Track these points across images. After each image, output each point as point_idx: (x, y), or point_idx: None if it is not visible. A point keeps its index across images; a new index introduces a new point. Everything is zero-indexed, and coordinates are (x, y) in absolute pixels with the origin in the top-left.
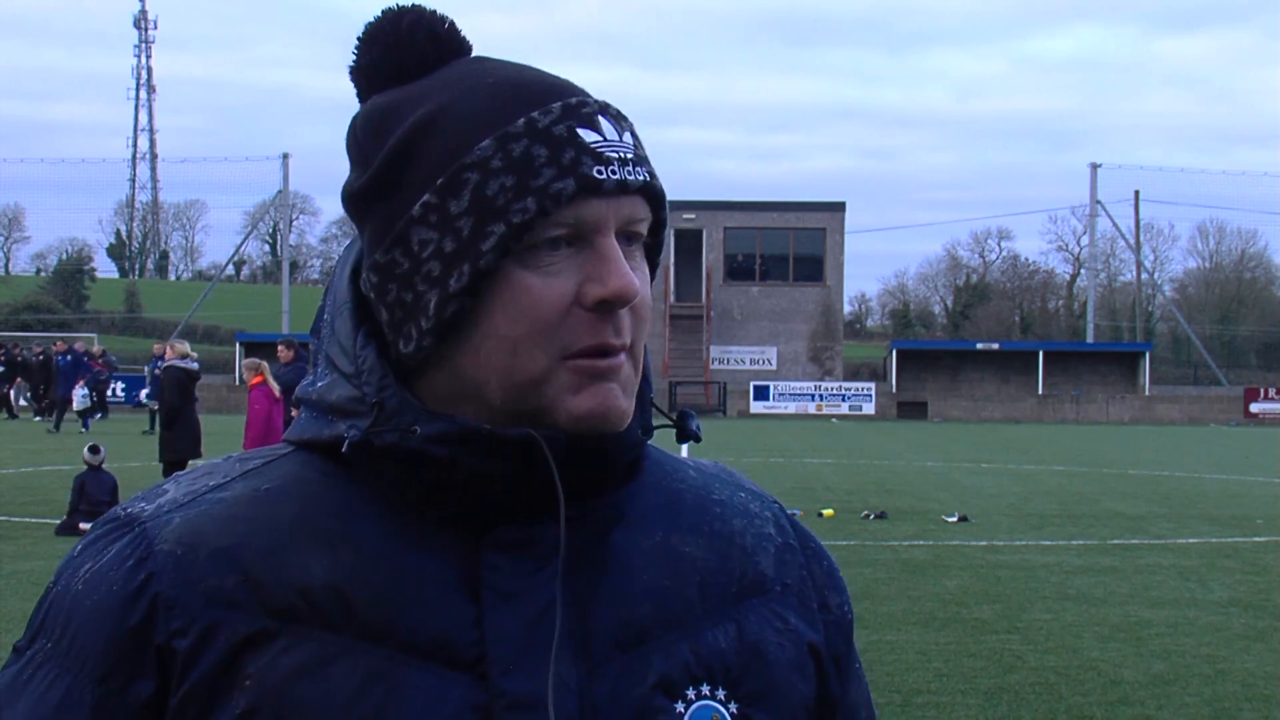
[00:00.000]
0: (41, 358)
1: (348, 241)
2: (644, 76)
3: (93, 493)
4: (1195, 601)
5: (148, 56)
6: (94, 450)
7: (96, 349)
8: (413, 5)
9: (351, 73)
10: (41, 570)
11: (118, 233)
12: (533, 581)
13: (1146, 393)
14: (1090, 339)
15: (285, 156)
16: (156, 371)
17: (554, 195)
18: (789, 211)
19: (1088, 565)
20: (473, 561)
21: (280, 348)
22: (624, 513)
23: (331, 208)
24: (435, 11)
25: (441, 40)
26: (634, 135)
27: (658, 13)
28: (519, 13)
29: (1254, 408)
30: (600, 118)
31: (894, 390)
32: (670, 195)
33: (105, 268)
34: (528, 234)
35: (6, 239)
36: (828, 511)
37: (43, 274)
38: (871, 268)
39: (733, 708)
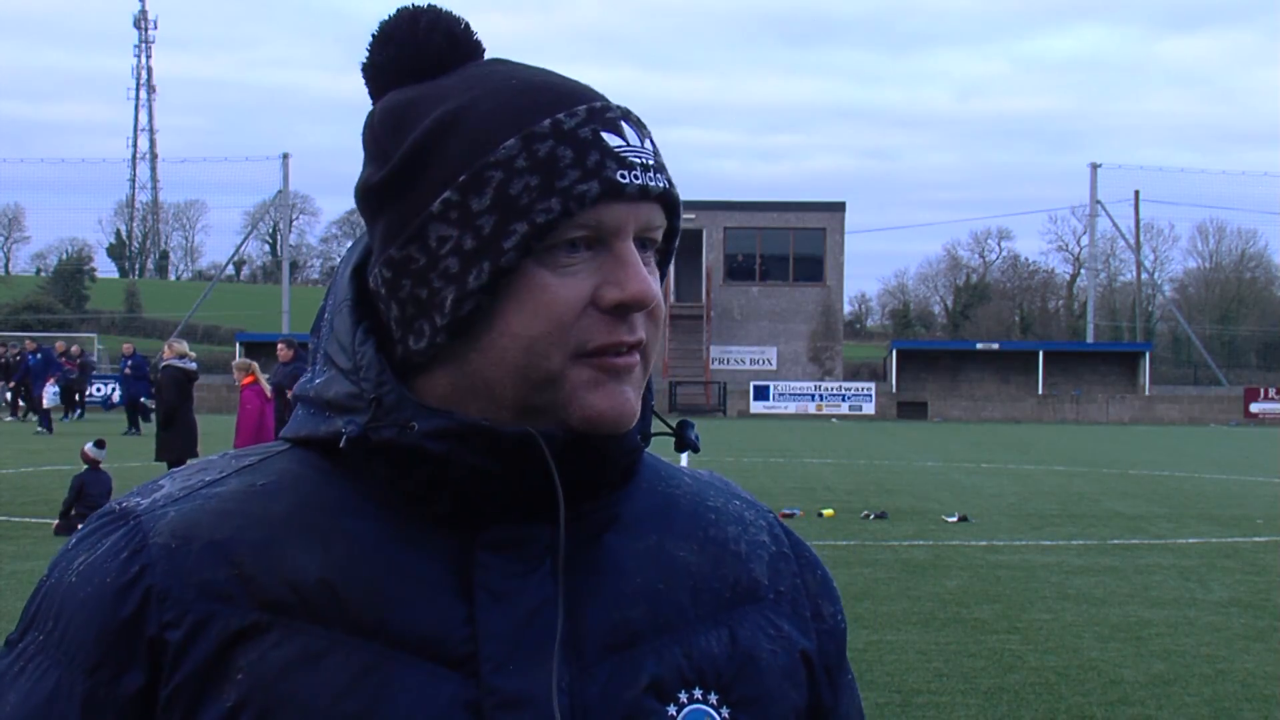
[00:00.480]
0: (19, 358)
1: (349, 242)
2: (646, 77)
3: (91, 494)
4: (1195, 601)
5: (148, 56)
6: (99, 445)
7: (75, 349)
8: (429, 5)
9: (365, 69)
10: (41, 570)
11: (118, 233)
12: (525, 582)
13: (1146, 393)
14: (1090, 339)
15: (285, 156)
16: (126, 371)
17: (578, 197)
18: (789, 211)
19: (1088, 565)
20: (465, 560)
21: (280, 346)
22: (618, 516)
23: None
24: (451, 12)
25: (458, 41)
26: (653, 142)
27: (659, 13)
28: (521, 13)
29: (1254, 408)
30: (623, 123)
31: (894, 390)
32: None
33: (105, 268)
34: (550, 234)
35: (6, 239)
36: (828, 511)
37: (43, 274)
38: (871, 268)
39: (724, 712)
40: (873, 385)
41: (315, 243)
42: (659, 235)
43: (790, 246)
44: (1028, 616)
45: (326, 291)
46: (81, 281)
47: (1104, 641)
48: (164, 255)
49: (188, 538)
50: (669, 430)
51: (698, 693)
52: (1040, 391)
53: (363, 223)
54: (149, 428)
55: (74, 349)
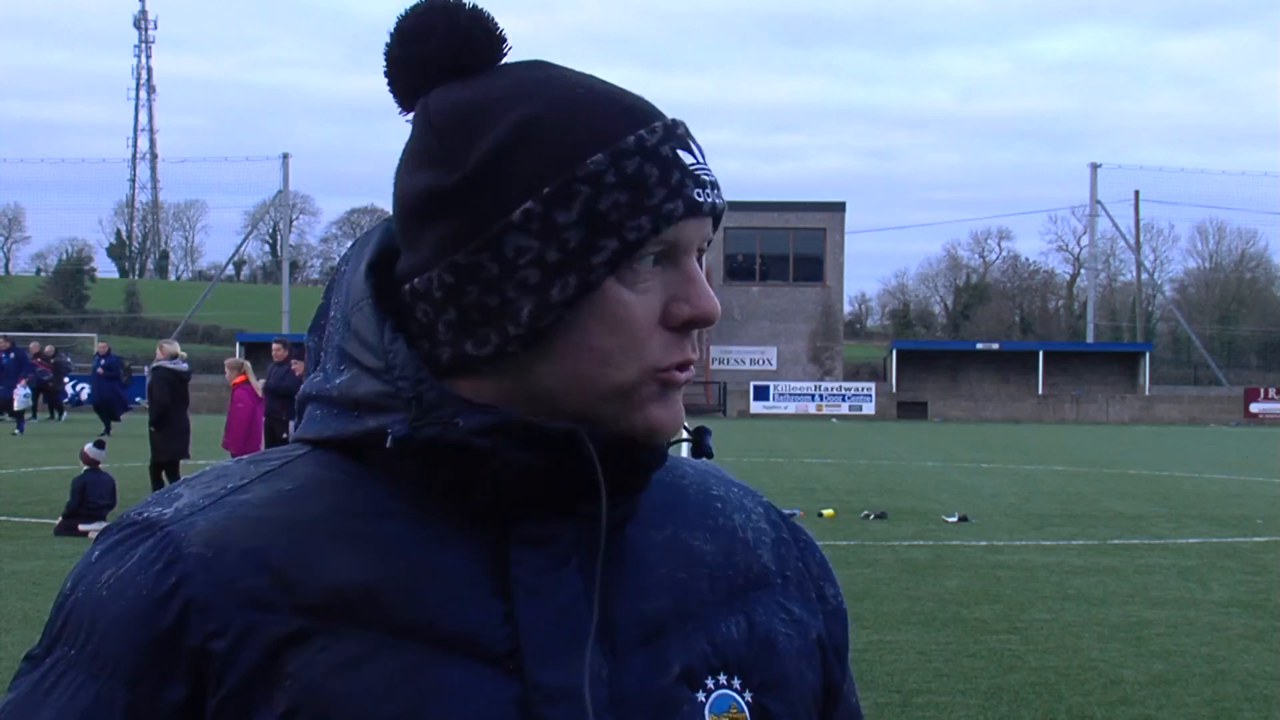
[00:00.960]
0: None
1: (349, 242)
2: (647, 77)
3: (92, 494)
4: (1195, 601)
5: (148, 57)
6: (99, 445)
7: (49, 349)
8: (470, 3)
9: (395, 64)
10: (41, 571)
11: (118, 233)
12: (558, 576)
13: (1146, 393)
14: (1090, 339)
15: (285, 156)
16: (99, 370)
17: (666, 215)
18: (789, 211)
19: (1088, 565)
20: (497, 558)
21: (275, 346)
22: (635, 508)
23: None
24: (483, 8)
25: (494, 38)
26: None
27: (661, 13)
28: (523, 13)
29: (1254, 408)
30: (690, 140)
31: (894, 390)
32: None
33: (105, 268)
34: (637, 250)
35: (6, 239)
36: (828, 511)
37: (43, 274)
38: (871, 268)
39: (748, 697)
40: (873, 385)
41: (315, 243)
42: (706, 246)
43: (790, 246)
44: (1028, 616)
45: (327, 289)
46: (81, 281)
47: (1104, 641)
48: (164, 255)
49: (223, 546)
50: (687, 436)
51: (722, 678)
52: (1040, 391)
53: (363, 223)
54: (118, 428)
55: (47, 349)
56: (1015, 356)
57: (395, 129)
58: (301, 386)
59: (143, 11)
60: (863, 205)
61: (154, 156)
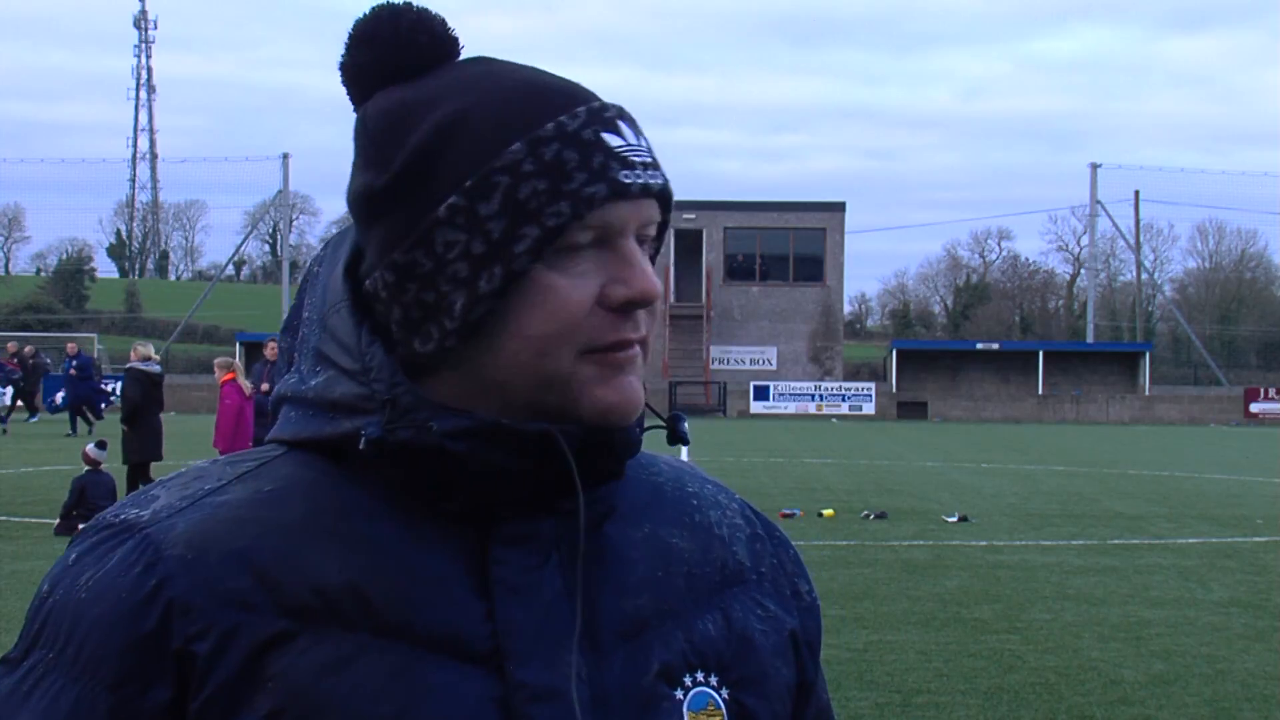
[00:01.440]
0: None
1: (326, 245)
2: (649, 77)
3: (92, 495)
4: (1195, 601)
5: (148, 57)
6: (100, 446)
7: (29, 350)
8: (407, 4)
9: (345, 70)
10: (41, 571)
11: (118, 233)
12: (539, 575)
13: (1146, 393)
14: (1090, 339)
15: (285, 156)
16: (71, 372)
17: (586, 199)
18: (789, 211)
19: (1088, 565)
20: (479, 557)
21: (270, 345)
22: (614, 506)
23: (331, 208)
24: (430, 10)
25: (440, 40)
26: (647, 139)
27: (663, 13)
28: (525, 13)
29: (1254, 408)
30: (620, 122)
31: (894, 390)
32: (675, 195)
33: (105, 268)
34: (560, 237)
35: (6, 239)
36: (828, 511)
37: (43, 274)
38: (871, 268)
39: (725, 693)
40: (873, 385)
41: (315, 243)
42: (654, 231)
43: (790, 246)
44: (1028, 616)
45: (300, 290)
46: (81, 281)
47: (1104, 641)
48: (164, 255)
49: (204, 548)
50: (661, 423)
51: (700, 675)
52: (1040, 391)
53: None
54: (101, 426)
55: (27, 349)
56: (1015, 356)
57: None
58: (276, 387)
59: (143, 11)
60: (863, 205)
61: (154, 156)
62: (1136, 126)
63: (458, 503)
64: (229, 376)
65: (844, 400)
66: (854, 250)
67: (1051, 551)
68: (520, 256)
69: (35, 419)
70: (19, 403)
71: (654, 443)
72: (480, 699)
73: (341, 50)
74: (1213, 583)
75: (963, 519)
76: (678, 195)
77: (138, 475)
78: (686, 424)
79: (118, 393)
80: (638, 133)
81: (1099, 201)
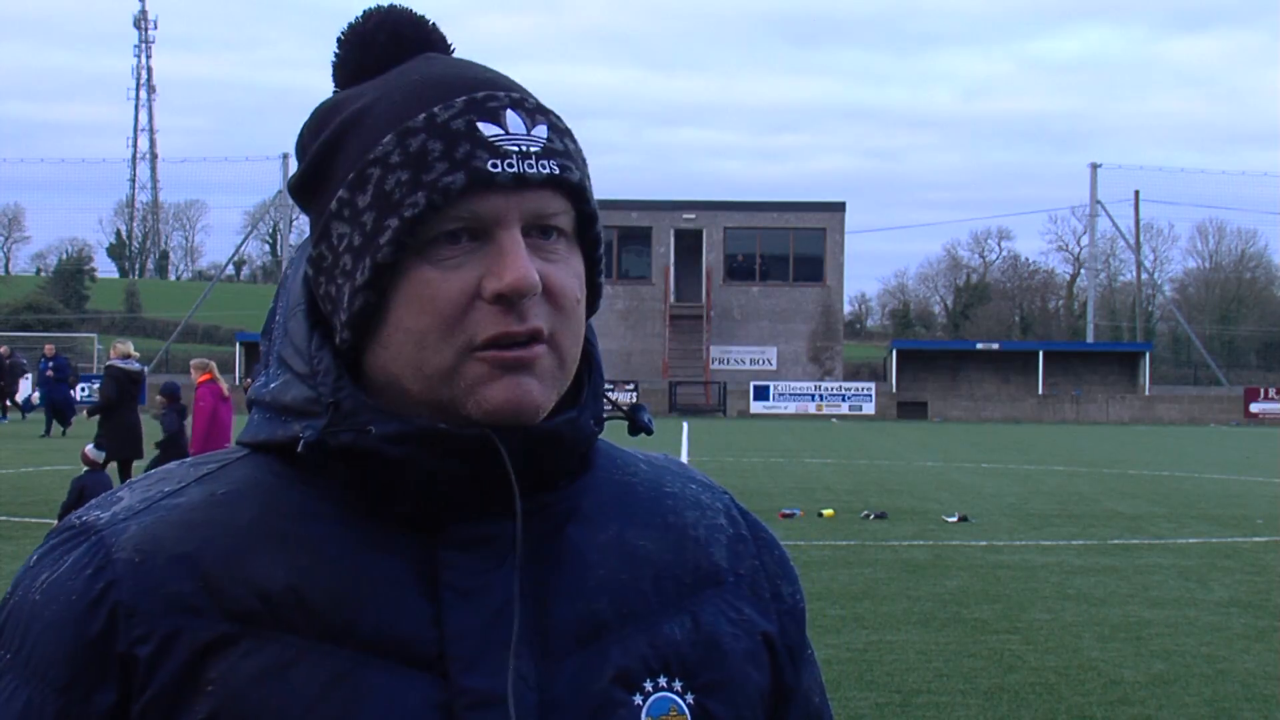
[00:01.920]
0: None
1: (297, 248)
2: (651, 77)
3: (91, 496)
4: (1195, 601)
5: (148, 57)
6: (100, 446)
7: (3, 350)
8: (389, 5)
9: (331, 71)
10: None
11: (118, 233)
12: (490, 579)
13: (1146, 393)
14: (1090, 339)
15: (285, 156)
16: (48, 373)
17: (443, 189)
18: (789, 211)
19: (1088, 565)
20: (429, 561)
21: (261, 347)
22: (578, 507)
23: None
24: (408, 12)
25: (403, 40)
26: (554, 129)
27: (665, 14)
28: (528, 13)
29: (1254, 408)
30: (508, 111)
31: (894, 390)
32: (674, 195)
33: (105, 268)
34: (420, 228)
35: (6, 239)
36: (828, 511)
37: (43, 274)
38: (871, 268)
39: (690, 699)
40: (873, 385)
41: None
42: (561, 222)
43: (790, 246)
44: (1028, 616)
45: (276, 293)
46: (81, 281)
47: (1104, 641)
48: (164, 255)
49: (151, 552)
50: (621, 415)
51: (663, 680)
52: (1040, 391)
53: None
54: (63, 431)
55: (2, 350)
56: (1015, 356)
57: None
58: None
59: (143, 11)
60: (864, 205)
61: (154, 156)
62: (1138, 127)
63: (406, 506)
64: (205, 377)
65: (844, 400)
66: (854, 250)
67: (1051, 551)
68: (384, 248)
69: (5, 420)
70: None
71: (659, 442)
72: (422, 705)
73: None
74: (1213, 583)
75: (963, 519)
76: (677, 194)
77: (123, 473)
78: (649, 414)
79: (91, 392)
80: (534, 122)
81: (1099, 201)
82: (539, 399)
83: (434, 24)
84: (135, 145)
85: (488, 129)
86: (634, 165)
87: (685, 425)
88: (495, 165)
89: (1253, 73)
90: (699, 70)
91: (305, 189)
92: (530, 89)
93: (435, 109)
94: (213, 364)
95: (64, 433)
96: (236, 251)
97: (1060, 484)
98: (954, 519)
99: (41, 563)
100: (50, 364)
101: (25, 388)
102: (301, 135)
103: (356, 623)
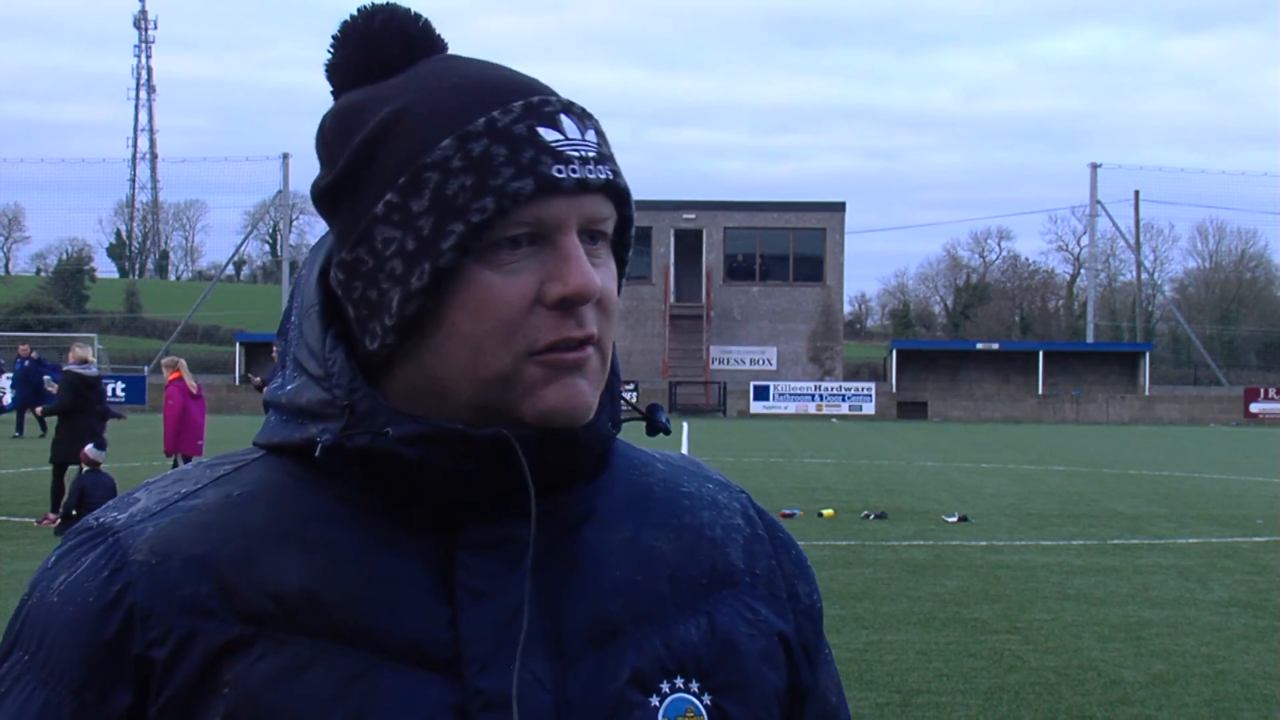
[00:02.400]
0: None
1: (311, 248)
2: (653, 77)
3: (93, 496)
4: (1195, 601)
5: (148, 57)
6: (100, 446)
7: None
8: (387, 4)
9: (326, 71)
10: None
11: (118, 233)
12: (505, 580)
13: (1146, 393)
14: (1090, 339)
15: (285, 156)
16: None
17: (512, 194)
18: (789, 211)
19: (1088, 565)
20: (445, 562)
21: (276, 348)
22: (594, 508)
23: None
24: (410, 10)
25: (413, 39)
26: (599, 133)
27: (669, 13)
28: (531, 12)
29: (1254, 408)
30: (562, 116)
31: (894, 390)
32: (676, 195)
33: (105, 268)
34: (486, 233)
35: (6, 239)
36: (828, 511)
37: (43, 274)
38: (871, 268)
39: (706, 700)
40: (873, 385)
41: (314, 242)
42: (608, 227)
43: (790, 246)
44: (1028, 616)
45: (292, 293)
46: (81, 281)
47: (1104, 641)
48: (164, 255)
49: (167, 554)
50: (639, 415)
51: (679, 682)
52: (1040, 391)
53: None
54: (28, 429)
55: None
56: (1015, 356)
57: None
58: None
59: (143, 11)
60: (864, 205)
61: (154, 156)
62: (1139, 127)
63: (422, 507)
64: (174, 376)
65: (844, 400)
66: (854, 250)
67: (1051, 551)
68: (446, 253)
69: None
70: None
71: (658, 443)
72: (437, 706)
73: (326, 51)
74: (1213, 583)
75: (963, 519)
76: (678, 195)
77: (57, 472)
78: (666, 415)
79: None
80: (585, 127)
81: (1099, 201)
82: (590, 400)
83: (429, 21)
84: (135, 145)
85: (548, 134)
86: (635, 165)
87: (685, 425)
88: (560, 171)
89: (1253, 73)
90: (700, 70)
91: (337, 193)
92: None
93: (494, 113)
94: (182, 363)
95: (41, 433)
96: (236, 251)
97: (1060, 484)
98: (954, 519)
99: (59, 564)
100: (24, 364)
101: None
102: (324, 137)
103: (371, 625)
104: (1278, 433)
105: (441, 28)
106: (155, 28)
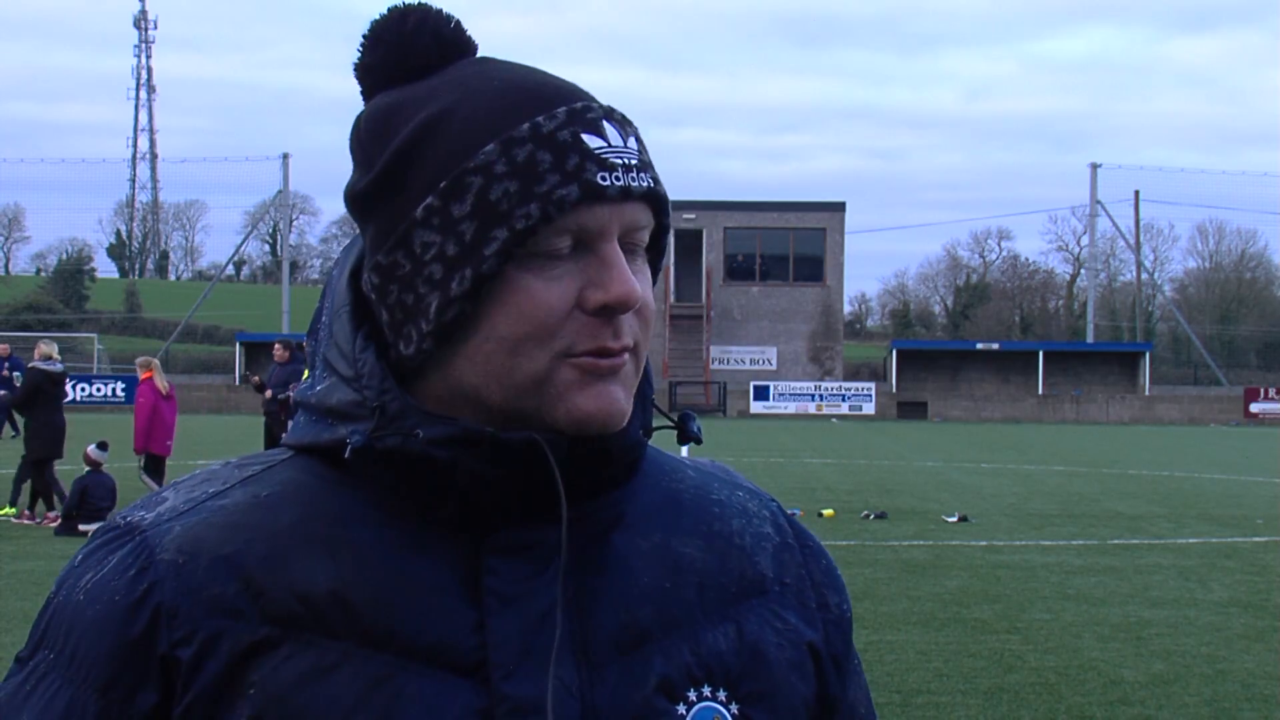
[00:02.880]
0: None
1: (347, 241)
2: (654, 77)
3: (93, 496)
4: (1195, 601)
5: (148, 57)
6: (101, 447)
7: None
8: (419, 4)
9: (356, 71)
10: (41, 571)
11: (118, 233)
12: (533, 585)
13: (1146, 393)
14: (1090, 339)
15: (285, 156)
16: (4, 373)
17: (557, 201)
18: (789, 211)
19: (1088, 565)
20: (473, 566)
21: (277, 347)
22: (623, 514)
23: (331, 208)
24: (441, 11)
25: (446, 40)
26: (638, 140)
27: (669, 14)
28: (532, 13)
29: (1254, 408)
30: (605, 123)
31: (894, 390)
32: (676, 195)
33: (105, 268)
34: (530, 239)
35: (6, 239)
36: (828, 511)
37: (43, 274)
38: (871, 268)
39: (734, 709)
40: (873, 385)
41: (315, 243)
42: (646, 234)
43: (790, 246)
44: (1028, 616)
45: (322, 293)
46: (81, 281)
47: (1104, 641)
48: (164, 255)
49: (194, 553)
50: (670, 424)
51: (706, 690)
52: (1040, 391)
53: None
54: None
55: None
56: (1015, 356)
57: None
58: (294, 392)
59: (143, 11)
60: (865, 205)
61: (154, 156)
62: (1140, 127)
63: (450, 511)
64: (146, 375)
65: (844, 400)
66: (854, 250)
67: (1051, 551)
68: (489, 259)
69: None
70: None
71: (664, 443)
72: (463, 711)
73: (357, 50)
74: (1213, 583)
75: (963, 519)
76: (680, 195)
77: (34, 472)
78: (698, 423)
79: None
80: (626, 134)
81: (1099, 201)
82: (625, 407)
83: (460, 22)
84: (135, 145)
85: (592, 140)
86: None
87: (677, 433)
88: (604, 178)
89: (1254, 73)
90: (702, 71)
91: (373, 196)
92: None
93: (539, 119)
94: (155, 362)
95: (14, 434)
96: (236, 251)
97: (1060, 484)
98: (954, 519)
99: (86, 562)
100: (3, 365)
101: None
102: (359, 139)
103: (398, 628)
104: (1278, 433)
105: None
106: (155, 28)
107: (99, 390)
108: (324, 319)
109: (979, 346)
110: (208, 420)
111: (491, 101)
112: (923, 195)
